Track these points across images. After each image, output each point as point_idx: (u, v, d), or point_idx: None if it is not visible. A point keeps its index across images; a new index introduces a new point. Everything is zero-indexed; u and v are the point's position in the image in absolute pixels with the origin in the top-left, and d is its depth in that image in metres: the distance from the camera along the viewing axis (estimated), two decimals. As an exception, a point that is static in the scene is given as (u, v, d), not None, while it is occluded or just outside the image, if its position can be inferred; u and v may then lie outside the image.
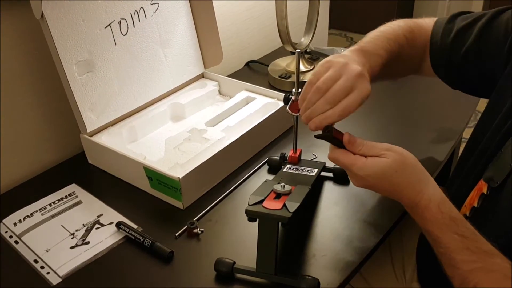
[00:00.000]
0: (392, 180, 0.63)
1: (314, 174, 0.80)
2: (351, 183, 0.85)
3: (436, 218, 0.61)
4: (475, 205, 0.68)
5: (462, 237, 0.59)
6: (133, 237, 0.75)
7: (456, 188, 0.76)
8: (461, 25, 0.79)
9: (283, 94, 0.98)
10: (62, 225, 0.79)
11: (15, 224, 0.80)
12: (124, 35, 0.93)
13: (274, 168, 0.90)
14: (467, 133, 0.86)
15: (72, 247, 0.75)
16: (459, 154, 0.81)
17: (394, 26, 0.81)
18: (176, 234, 0.76)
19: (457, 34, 0.79)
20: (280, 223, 0.64)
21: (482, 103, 0.83)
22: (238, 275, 0.68)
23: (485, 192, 0.67)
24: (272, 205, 0.65)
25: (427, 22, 0.84)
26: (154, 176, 0.81)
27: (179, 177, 0.77)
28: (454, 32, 0.79)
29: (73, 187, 0.88)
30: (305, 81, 1.16)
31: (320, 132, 0.66)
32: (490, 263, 0.58)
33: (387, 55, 0.75)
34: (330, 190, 0.85)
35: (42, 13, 0.79)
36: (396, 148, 0.64)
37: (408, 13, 2.54)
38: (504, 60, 0.72)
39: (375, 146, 0.64)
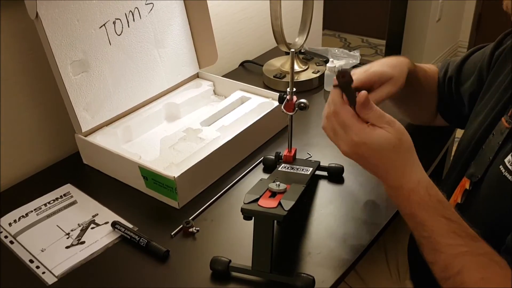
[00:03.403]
0: (385, 155, 0.61)
1: (309, 173, 0.80)
2: (345, 182, 0.86)
3: (424, 201, 0.60)
4: (459, 201, 0.70)
5: (448, 221, 0.59)
6: (128, 237, 0.75)
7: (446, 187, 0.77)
8: (451, 60, 0.88)
9: (278, 94, 0.98)
10: (57, 225, 0.79)
11: (10, 224, 0.80)
12: (119, 35, 0.93)
13: (269, 167, 0.90)
14: (459, 133, 0.87)
15: (67, 247, 0.75)
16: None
17: None
18: (172, 233, 0.76)
19: (446, 67, 0.88)
20: (275, 221, 0.65)
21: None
22: (234, 274, 0.68)
23: (468, 188, 0.69)
24: (267, 203, 0.66)
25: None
26: (150, 176, 0.81)
27: (174, 177, 0.78)
28: (445, 66, 0.88)
29: (68, 187, 0.88)
30: (299, 81, 1.17)
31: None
32: (476, 247, 0.57)
33: (411, 67, 0.80)
34: (324, 189, 0.85)
35: (37, 13, 0.79)
36: (399, 125, 0.62)
37: (401, 14, 2.55)
38: (480, 78, 0.79)
39: (383, 116, 0.61)
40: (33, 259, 0.73)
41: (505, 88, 0.70)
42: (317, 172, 0.87)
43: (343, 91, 0.62)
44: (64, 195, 0.86)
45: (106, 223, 0.79)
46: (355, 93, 0.62)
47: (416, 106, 0.91)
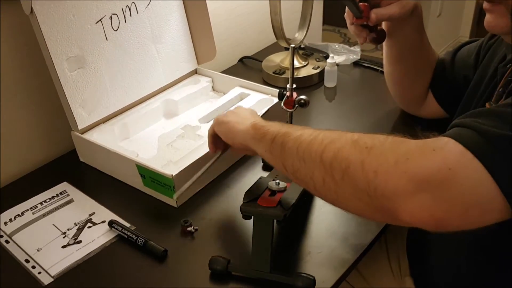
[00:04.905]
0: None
1: (309, 170, 0.79)
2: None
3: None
4: None
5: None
6: (125, 236, 0.74)
7: None
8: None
9: (278, 90, 0.97)
10: (53, 224, 0.78)
11: (5, 223, 0.78)
12: (116, 30, 0.92)
13: (269, 165, 0.89)
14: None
15: (63, 246, 0.74)
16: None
17: None
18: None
19: (444, 55, 0.91)
20: (275, 221, 0.64)
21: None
22: (233, 274, 0.67)
23: None
24: (267, 202, 0.65)
25: None
26: (147, 174, 0.80)
27: (172, 175, 0.76)
28: (443, 55, 0.91)
29: (64, 185, 0.87)
30: (299, 77, 1.16)
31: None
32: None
33: (419, 5, 0.84)
34: (325, 187, 0.84)
35: (32, 8, 0.77)
36: None
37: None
38: (475, 63, 0.82)
39: None
40: (29, 259, 0.72)
41: (491, 76, 0.72)
42: (317, 170, 0.86)
43: (344, 2, 0.61)
44: (61, 193, 0.85)
45: (103, 222, 0.78)
46: (357, 3, 0.61)
47: (413, 68, 0.91)
